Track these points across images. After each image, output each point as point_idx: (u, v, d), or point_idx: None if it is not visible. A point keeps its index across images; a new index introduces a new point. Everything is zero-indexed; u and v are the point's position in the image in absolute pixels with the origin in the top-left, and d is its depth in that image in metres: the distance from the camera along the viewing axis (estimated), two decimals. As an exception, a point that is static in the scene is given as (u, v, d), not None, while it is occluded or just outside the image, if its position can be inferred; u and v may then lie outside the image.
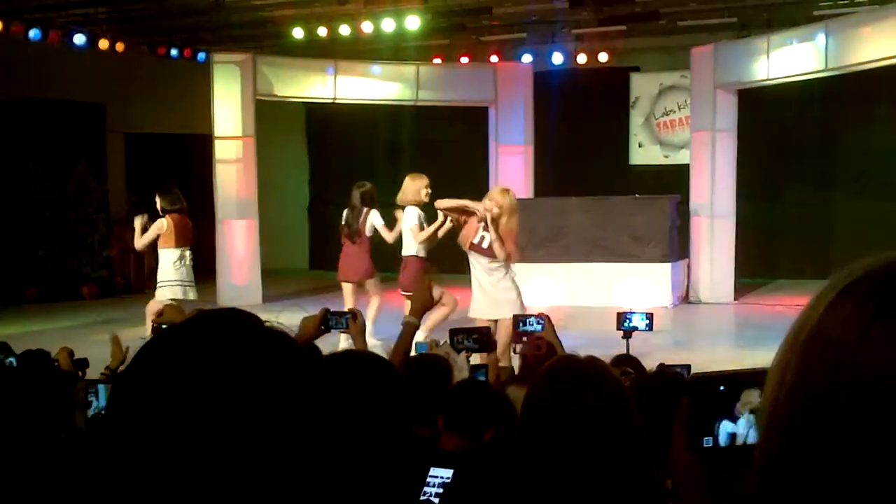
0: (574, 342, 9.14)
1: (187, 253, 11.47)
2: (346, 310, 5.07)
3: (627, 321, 7.12)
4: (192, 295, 11.32)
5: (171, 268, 11.25)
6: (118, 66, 17.35)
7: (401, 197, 10.32)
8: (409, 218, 10.28)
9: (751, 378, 1.80)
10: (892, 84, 13.32)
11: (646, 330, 7.17)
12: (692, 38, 16.30)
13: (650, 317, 7.16)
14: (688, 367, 5.32)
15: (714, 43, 15.69)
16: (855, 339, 0.75)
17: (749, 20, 15.71)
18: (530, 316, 6.55)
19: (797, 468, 0.78)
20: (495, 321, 8.73)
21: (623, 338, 7.11)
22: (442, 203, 9.40)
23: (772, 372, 0.82)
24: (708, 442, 1.80)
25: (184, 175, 19.52)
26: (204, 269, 16.75)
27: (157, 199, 11.42)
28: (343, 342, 8.99)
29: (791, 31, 14.52)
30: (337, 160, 20.70)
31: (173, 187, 11.74)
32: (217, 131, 16.43)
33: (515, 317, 6.85)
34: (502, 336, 8.40)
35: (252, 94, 16.38)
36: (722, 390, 1.81)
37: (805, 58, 14.21)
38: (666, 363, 5.51)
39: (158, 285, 11.34)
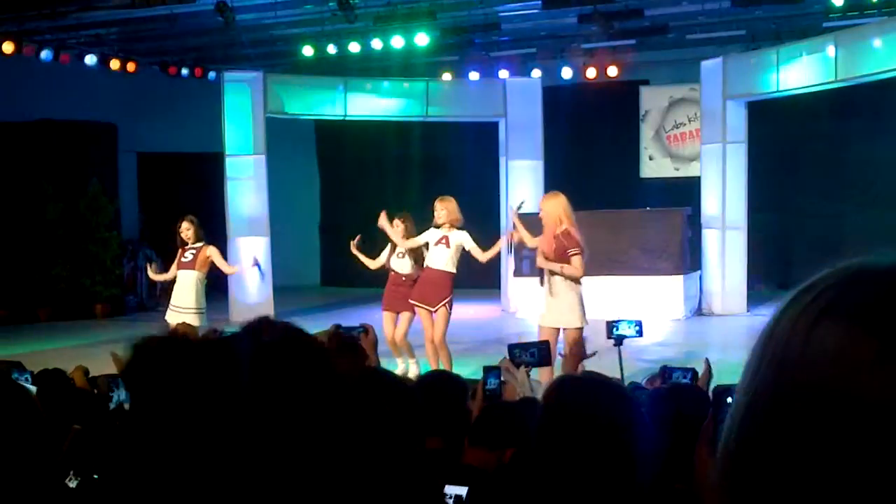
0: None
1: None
2: (357, 325, 5.05)
3: (615, 329, 7.07)
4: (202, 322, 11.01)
5: (203, 294, 10.99)
6: (129, 86, 17.46)
7: (452, 218, 10.19)
8: (464, 237, 10.19)
9: None
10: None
11: (635, 337, 7.10)
12: (701, 51, 16.32)
13: (639, 323, 7.08)
14: (693, 370, 5.30)
15: (723, 55, 15.70)
16: (800, 341, 0.78)
17: (758, 32, 15.73)
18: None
19: (749, 466, 0.80)
20: (558, 329, 8.68)
21: (614, 346, 7.07)
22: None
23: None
24: None
25: (195, 193, 19.68)
26: (216, 286, 16.82)
27: (193, 227, 10.86)
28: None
29: (800, 43, 14.52)
30: (347, 177, 20.76)
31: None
32: (228, 149, 16.49)
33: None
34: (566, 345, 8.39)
35: (263, 112, 16.45)
36: None
37: (814, 69, 14.21)
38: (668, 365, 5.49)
39: (192, 311, 10.62)
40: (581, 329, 8.58)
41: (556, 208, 8.82)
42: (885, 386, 0.74)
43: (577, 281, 8.71)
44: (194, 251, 10.83)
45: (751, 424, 0.81)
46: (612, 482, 2.16)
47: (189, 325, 4.86)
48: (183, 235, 10.87)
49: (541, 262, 8.80)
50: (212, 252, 10.89)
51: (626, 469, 2.16)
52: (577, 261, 8.62)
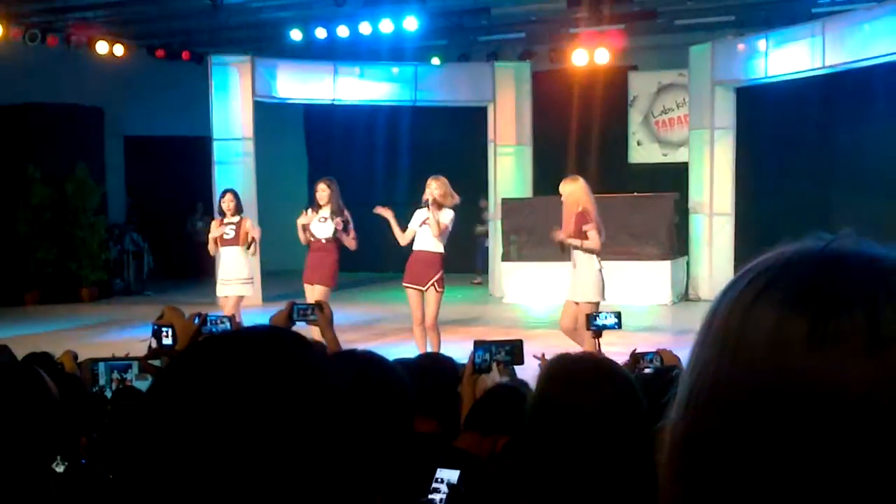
0: (567, 340, 9.21)
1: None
2: (311, 302, 5.06)
3: (595, 320, 7.14)
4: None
5: (247, 265, 11.32)
6: (117, 69, 17.37)
7: (444, 197, 10.20)
8: (444, 216, 10.20)
9: None
10: (890, 81, 13.35)
11: (614, 328, 7.17)
12: (690, 36, 16.33)
13: (618, 315, 7.17)
14: (660, 355, 5.30)
15: (712, 41, 15.71)
16: (738, 322, 0.80)
17: (747, 18, 15.74)
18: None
19: (692, 446, 0.83)
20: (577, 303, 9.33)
21: (594, 337, 7.13)
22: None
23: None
24: None
25: (183, 177, 19.64)
26: (205, 269, 16.81)
27: (235, 200, 11.37)
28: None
29: (789, 29, 14.54)
30: (336, 161, 20.72)
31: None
32: (216, 133, 16.45)
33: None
34: (565, 317, 9.34)
35: (251, 96, 16.40)
36: None
37: (803, 56, 14.23)
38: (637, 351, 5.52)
39: (240, 281, 11.21)
40: (597, 304, 9.20)
41: (576, 191, 9.54)
42: (815, 366, 0.76)
43: (597, 255, 9.42)
44: (234, 225, 11.25)
45: (694, 405, 0.83)
46: (608, 468, 2.15)
47: (175, 309, 4.79)
48: (224, 207, 11.32)
49: (560, 236, 9.51)
50: (250, 222, 11.53)
51: (622, 455, 2.15)
52: (592, 235, 9.34)
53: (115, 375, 4.96)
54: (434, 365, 4.35)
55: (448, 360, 4.56)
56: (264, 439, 1.02)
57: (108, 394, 4.85)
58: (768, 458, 0.77)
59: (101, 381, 4.97)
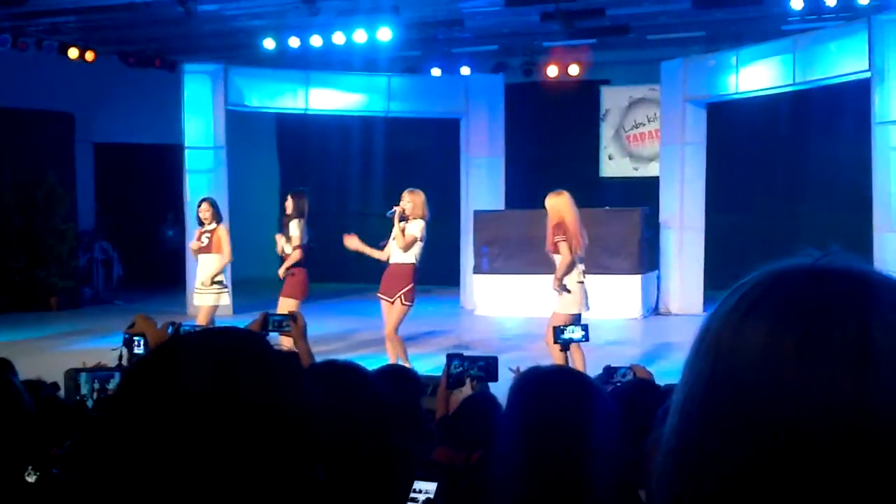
0: (538, 353, 9.23)
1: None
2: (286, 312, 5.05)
3: (562, 334, 7.17)
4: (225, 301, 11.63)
5: (221, 273, 11.32)
6: (88, 75, 17.26)
7: (416, 212, 10.22)
8: (412, 227, 10.21)
9: None
10: (859, 98, 13.48)
11: (582, 341, 7.22)
12: (662, 51, 16.43)
13: (586, 327, 7.22)
14: (632, 370, 5.32)
15: (683, 57, 15.82)
16: (731, 337, 0.84)
17: (718, 34, 15.85)
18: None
19: (685, 457, 0.85)
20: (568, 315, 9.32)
21: (561, 350, 7.16)
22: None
23: None
24: None
25: (154, 185, 19.52)
26: (176, 278, 16.70)
27: (211, 209, 11.35)
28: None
29: (760, 46, 14.67)
30: (308, 171, 20.68)
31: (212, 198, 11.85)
32: (188, 141, 16.39)
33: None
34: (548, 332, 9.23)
35: (223, 105, 16.36)
36: None
37: (773, 72, 14.37)
38: (611, 366, 5.54)
39: (208, 291, 11.21)
40: (575, 315, 9.26)
41: (555, 206, 9.69)
42: (805, 379, 0.79)
43: (577, 268, 9.48)
44: (209, 233, 11.26)
45: (687, 417, 0.85)
46: (573, 481, 2.14)
47: (146, 318, 4.71)
48: (201, 216, 11.35)
49: (555, 285, 9.48)
50: (223, 230, 11.38)
51: (590, 467, 2.15)
52: (563, 247, 9.40)
53: (97, 385, 4.93)
54: (394, 376, 4.33)
55: (410, 372, 4.54)
56: (226, 441, 1.01)
57: (90, 403, 4.82)
58: (759, 468, 0.79)
59: (83, 391, 4.93)
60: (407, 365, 8.85)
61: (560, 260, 9.41)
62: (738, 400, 0.81)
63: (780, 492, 0.78)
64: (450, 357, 5.28)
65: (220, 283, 11.23)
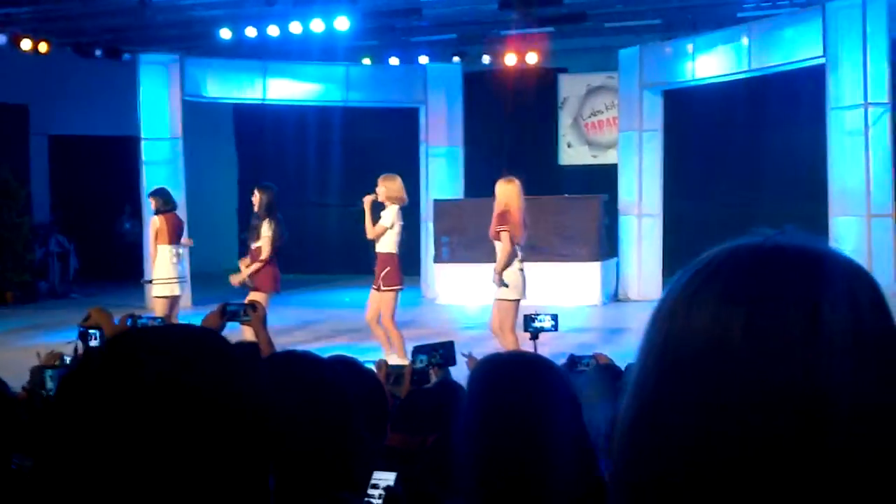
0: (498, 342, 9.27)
1: (181, 250, 11.56)
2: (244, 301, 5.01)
3: (532, 322, 7.18)
4: (179, 291, 11.52)
5: (170, 265, 11.19)
6: (42, 66, 17.04)
7: (388, 196, 10.19)
8: (385, 214, 10.20)
9: None
10: (814, 84, 13.61)
11: (552, 330, 7.22)
12: (619, 39, 16.49)
13: (555, 317, 7.24)
14: (594, 358, 5.36)
15: (640, 44, 15.90)
16: (682, 316, 0.85)
17: (674, 22, 15.94)
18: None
19: (638, 439, 0.86)
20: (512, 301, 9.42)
21: (530, 339, 7.17)
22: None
23: None
24: None
25: (110, 177, 19.32)
26: (134, 271, 16.54)
27: (152, 201, 11.42)
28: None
29: (715, 33, 14.77)
30: (266, 161, 20.56)
31: (164, 189, 11.77)
32: (144, 133, 16.24)
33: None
34: (493, 318, 9.40)
35: (179, 95, 16.22)
36: None
37: (729, 59, 14.48)
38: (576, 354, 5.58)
39: (155, 282, 11.23)
40: (515, 301, 9.34)
41: (503, 193, 9.64)
42: (752, 358, 0.80)
43: (517, 255, 9.50)
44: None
45: (641, 389, 0.86)
46: (532, 461, 2.14)
47: (101, 310, 4.67)
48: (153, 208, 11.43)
49: (495, 279, 9.52)
50: (152, 222, 11.44)
51: (549, 449, 2.15)
52: (504, 237, 9.41)
53: None
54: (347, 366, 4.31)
55: (358, 364, 4.53)
56: (175, 434, 1.01)
57: None
58: (710, 442, 0.79)
59: (49, 386, 4.88)
60: (401, 358, 8.89)
61: (500, 249, 9.44)
62: (688, 373, 0.82)
63: (732, 465, 0.78)
64: (416, 350, 5.35)
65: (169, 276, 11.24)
